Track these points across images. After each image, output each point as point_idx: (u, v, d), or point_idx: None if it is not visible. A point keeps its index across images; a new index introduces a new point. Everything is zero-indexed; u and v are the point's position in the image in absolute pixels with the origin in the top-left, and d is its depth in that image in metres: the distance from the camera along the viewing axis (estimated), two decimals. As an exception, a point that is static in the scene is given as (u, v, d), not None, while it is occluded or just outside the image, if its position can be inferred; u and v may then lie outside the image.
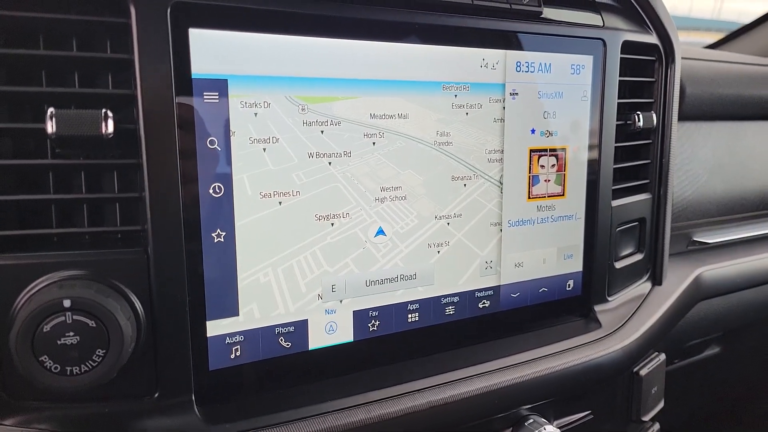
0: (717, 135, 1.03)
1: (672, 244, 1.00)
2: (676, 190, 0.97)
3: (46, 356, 0.48)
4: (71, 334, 0.49)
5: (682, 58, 0.89)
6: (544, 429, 0.70)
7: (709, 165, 1.01)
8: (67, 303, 0.49)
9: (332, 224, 0.62)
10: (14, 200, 0.50)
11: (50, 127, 0.48)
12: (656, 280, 0.92)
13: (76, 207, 0.54)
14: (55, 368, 0.49)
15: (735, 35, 1.74)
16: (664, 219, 0.90)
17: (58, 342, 0.48)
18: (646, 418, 0.84)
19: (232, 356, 0.59)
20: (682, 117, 0.96)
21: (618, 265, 0.86)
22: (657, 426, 0.91)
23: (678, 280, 0.95)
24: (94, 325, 0.49)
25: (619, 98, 0.81)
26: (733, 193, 1.05)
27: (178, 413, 0.55)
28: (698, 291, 0.97)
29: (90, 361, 0.50)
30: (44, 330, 0.48)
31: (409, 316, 0.69)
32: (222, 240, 0.57)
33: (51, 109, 0.48)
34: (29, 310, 0.48)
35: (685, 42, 0.95)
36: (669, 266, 0.97)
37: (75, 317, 0.49)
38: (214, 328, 0.58)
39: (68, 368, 0.49)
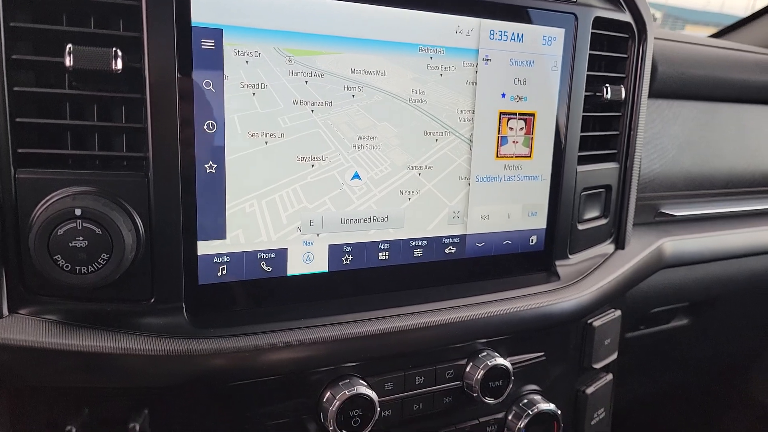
0: (687, 114, 1.09)
1: (639, 214, 1.07)
2: (644, 163, 1.04)
3: (59, 256, 0.58)
4: (80, 238, 0.58)
5: (657, 38, 0.95)
6: (495, 360, 0.78)
7: (678, 141, 1.08)
8: (78, 212, 0.57)
9: (312, 165, 0.71)
10: (36, 123, 0.59)
11: (68, 61, 0.57)
12: (619, 244, 0.99)
13: (88, 134, 0.62)
14: (67, 267, 0.58)
15: (736, 26, 1.78)
16: (630, 187, 0.97)
17: (70, 244, 0.58)
18: (597, 366, 0.92)
19: (219, 274, 0.68)
20: (654, 94, 1.02)
21: (581, 226, 0.93)
22: (610, 376, 0.98)
23: (641, 246, 1.02)
24: (100, 232, 0.58)
25: (591, 71, 0.88)
26: (702, 170, 1.11)
27: (170, 317, 0.64)
28: (660, 259, 1.04)
29: (96, 263, 0.59)
30: (58, 233, 0.57)
31: (380, 254, 0.77)
32: (213, 171, 0.65)
33: (69, 46, 0.57)
34: (46, 216, 0.57)
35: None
36: (634, 235, 1.04)
37: (84, 224, 0.58)
38: (204, 247, 0.67)
39: (77, 267, 0.58)
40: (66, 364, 0.59)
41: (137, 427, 0.61)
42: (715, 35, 1.86)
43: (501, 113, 0.82)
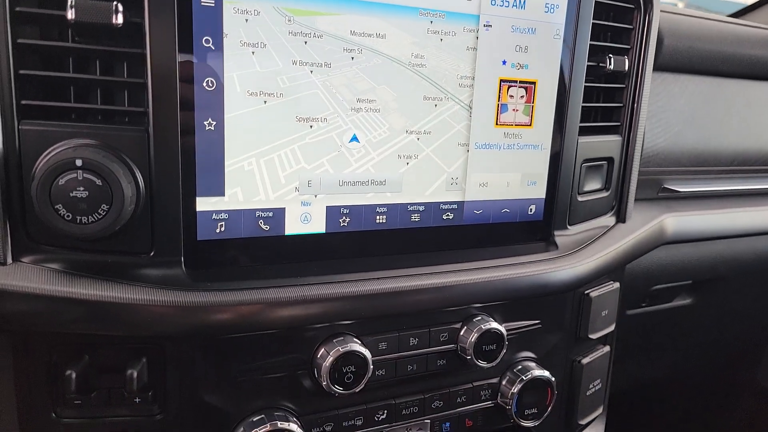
0: (694, 88, 1.08)
1: (642, 189, 1.07)
2: (647, 137, 1.03)
3: (60, 205, 0.59)
4: (81, 189, 0.60)
5: (664, 11, 0.95)
6: (490, 324, 0.79)
7: (683, 116, 1.07)
8: (79, 162, 0.59)
9: (311, 126, 0.71)
10: (39, 76, 0.61)
11: (70, 14, 0.58)
12: (620, 217, 0.99)
13: (91, 88, 0.64)
14: (68, 216, 0.60)
15: (755, 6, 1.75)
16: (632, 160, 0.97)
17: (71, 195, 0.59)
18: (593, 336, 0.92)
19: (218, 231, 0.70)
20: (660, 67, 1.02)
21: (581, 198, 0.93)
22: (607, 349, 0.99)
23: (643, 221, 1.02)
24: (101, 183, 0.60)
25: (594, 41, 0.88)
26: (707, 146, 1.10)
27: (169, 270, 0.66)
28: (662, 234, 1.04)
29: (96, 214, 0.60)
30: (59, 183, 0.59)
31: (377, 217, 0.78)
32: (212, 129, 0.66)
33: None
34: (47, 166, 0.59)
35: None
36: (637, 210, 1.04)
37: (85, 175, 0.59)
38: (203, 204, 0.68)
39: (78, 217, 0.60)
40: (66, 311, 0.61)
41: (135, 374, 0.63)
42: (734, 15, 1.84)
43: (501, 80, 0.82)
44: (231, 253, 0.71)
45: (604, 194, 0.97)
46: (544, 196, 0.90)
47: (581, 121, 0.89)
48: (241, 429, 0.69)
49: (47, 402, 0.64)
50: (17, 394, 0.64)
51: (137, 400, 0.66)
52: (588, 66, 0.88)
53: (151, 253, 0.66)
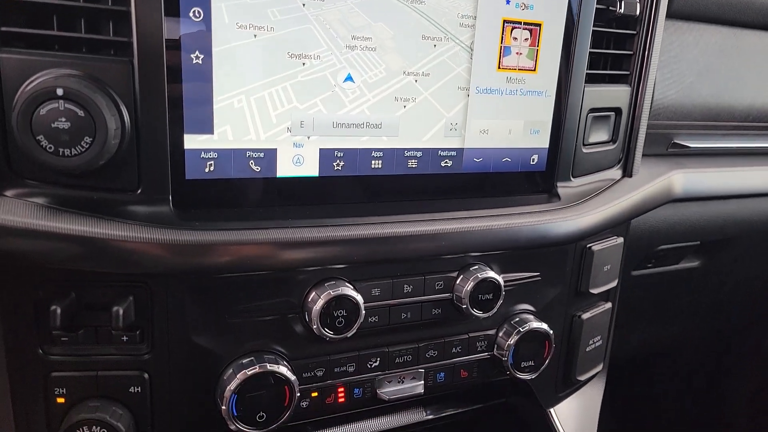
0: (709, 38, 1.03)
1: (651, 144, 1.04)
2: (658, 88, 0.99)
3: (42, 136, 0.58)
4: (63, 119, 0.58)
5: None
6: (487, 273, 0.77)
7: (697, 67, 1.02)
8: (60, 92, 0.57)
9: (303, 64, 0.69)
10: (22, 2, 0.58)
11: (50, -66, 0.56)
12: (627, 171, 0.96)
13: (75, 17, 0.61)
14: (50, 148, 0.58)
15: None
16: (641, 111, 0.93)
17: (52, 125, 0.57)
18: (594, 291, 0.90)
19: (207, 170, 0.68)
20: (673, 14, 0.97)
21: (586, 149, 0.90)
22: (609, 305, 0.97)
23: (650, 176, 0.99)
24: (83, 114, 0.58)
25: (604, -17, 0.84)
26: (721, 100, 1.06)
27: (156, 208, 0.65)
28: (670, 190, 1.01)
29: (79, 146, 0.59)
30: (41, 113, 0.57)
31: (373, 162, 0.76)
32: (200, 62, 0.64)
33: None
34: (29, 94, 0.57)
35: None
36: (644, 165, 1.00)
37: (67, 105, 0.58)
38: (191, 141, 0.66)
39: (61, 149, 0.58)
40: (50, 246, 0.60)
41: (121, 312, 0.62)
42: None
43: (505, 21, 0.79)
44: (220, 193, 0.69)
45: (611, 147, 0.94)
46: (547, 146, 0.87)
47: (589, 68, 0.86)
48: (231, 371, 0.69)
49: (33, 338, 0.64)
50: (3, 329, 0.64)
51: (125, 338, 0.65)
52: (597, 9, 0.84)
53: (138, 191, 0.64)
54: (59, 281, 0.63)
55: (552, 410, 0.98)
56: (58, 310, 0.61)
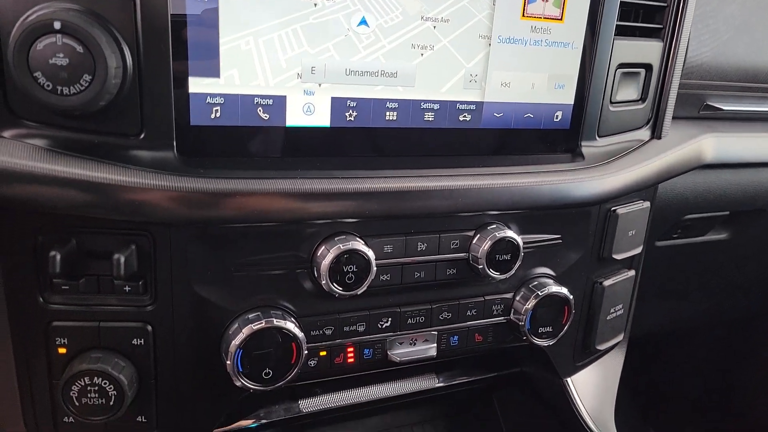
0: (750, -9, 0.97)
1: (682, 106, 0.98)
2: (692, 45, 0.93)
3: (39, 73, 0.55)
4: (61, 55, 0.55)
5: None
6: (505, 233, 0.73)
7: (734, 23, 0.96)
8: (57, 25, 0.54)
9: (315, 5, 0.65)
10: (16, -71, 0.55)
11: None
12: (656, 132, 0.91)
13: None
14: (48, 86, 0.55)
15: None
16: (673, 69, 0.87)
17: (50, 61, 0.55)
18: (617, 257, 0.86)
19: (213, 116, 0.65)
20: (712, -35, 0.91)
21: (614, 108, 0.85)
22: (632, 273, 0.93)
23: (680, 138, 0.93)
24: (82, 50, 0.55)
25: (638, -72, 0.78)
26: (759, 60, 1.00)
27: (160, 153, 0.62)
28: (700, 155, 0.95)
29: (78, 84, 0.56)
30: (38, 48, 0.54)
31: (387, 113, 0.72)
32: (206, 0, 0.61)
33: None
34: (25, 28, 0.54)
35: None
36: (675, 128, 0.95)
37: (65, 40, 0.55)
38: (196, 85, 0.63)
39: (59, 87, 0.56)
40: (47, 189, 0.57)
41: (122, 260, 0.60)
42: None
43: (530, -35, 0.74)
44: (227, 141, 0.66)
45: (640, 105, 0.88)
46: (572, 102, 0.82)
47: (619, 20, 0.80)
48: (236, 325, 0.66)
49: (34, 286, 0.62)
50: (2, 276, 0.62)
51: (127, 289, 0.63)
52: (630, -45, 0.79)
53: (141, 136, 0.62)
54: (59, 227, 0.61)
55: (569, 380, 0.95)
56: (58, 256, 0.59)
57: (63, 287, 0.62)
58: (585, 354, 0.93)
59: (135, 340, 0.65)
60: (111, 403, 0.63)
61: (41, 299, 0.63)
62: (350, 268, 0.67)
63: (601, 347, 0.92)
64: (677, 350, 1.78)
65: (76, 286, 0.62)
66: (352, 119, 0.71)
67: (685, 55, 0.91)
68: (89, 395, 0.63)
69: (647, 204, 0.91)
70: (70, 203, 0.59)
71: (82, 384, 0.62)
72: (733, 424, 1.74)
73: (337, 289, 0.67)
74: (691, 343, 1.75)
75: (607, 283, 0.88)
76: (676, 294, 1.36)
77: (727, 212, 1.14)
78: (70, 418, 0.67)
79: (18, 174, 0.57)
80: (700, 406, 1.82)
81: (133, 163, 0.61)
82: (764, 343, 1.72)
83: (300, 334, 0.68)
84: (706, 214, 1.12)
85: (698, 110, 1.00)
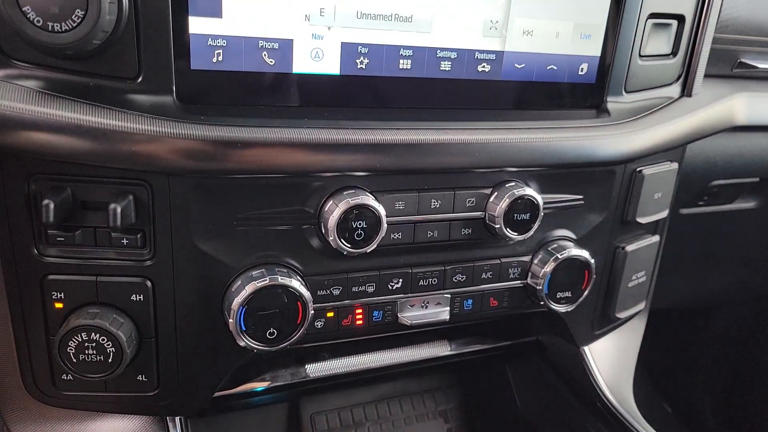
0: (793, -63, 0.90)
1: (714, 63, 0.92)
2: (728, -4, 0.88)
3: (29, 7, 0.51)
4: (51, -15, 0.51)
5: None
6: (524, 191, 0.69)
7: (775, -28, 0.90)
8: (46, -47, 0.50)
9: (325, -61, 0.60)
10: None
11: None
12: (686, 90, 0.85)
13: None
14: (38, 21, 0.51)
15: None
16: (707, 21, 0.82)
17: (39, -10, 0.51)
18: (641, 220, 0.82)
19: (214, 60, 0.60)
20: None
21: (643, 62, 0.80)
22: (656, 238, 0.88)
23: (712, 97, 0.88)
24: (73, -18, 0.51)
25: None
26: (800, 14, 0.94)
27: (159, 97, 0.58)
28: (732, 116, 0.90)
29: (70, 20, 0.52)
30: (26, -21, 0.51)
31: (401, 61, 0.68)
32: (207, -69, 0.56)
33: None
34: (11, -44, 0.50)
35: None
36: (706, 86, 0.89)
37: (53, -31, 0.51)
38: (196, 25, 0.59)
39: (50, 23, 0.52)
40: (39, 133, 0.54)
41: (119, 209, 0.56)
42: None
43: None
44: (230, 88, 0.62)
45: (670, 60, 0.83)
46: (599, 54, 0.76)
47: (651, -35, 0.75)
48: (239, 282, 0.63)
49: (28, 237, 0.59)
50: (-5, 225, 0.59)
51: (125, 242, 0.60)
52: None
53: (139, 79, 0.58)
54: (52, 175, 0.58)
55: (586, 349, 0.92)
56: (51, 205, 0.55)
57: (58, 239, 0.59)
58: (604, 322, 0.89)
59: (134, 295, 0.62)
60: (109, 360, 0.61)
61: (36, 251, 0.60)
62: (360, 225, 0.63)
63: (621, 315, 0.88)
64: (697, 326, 1.73)
65: (71, 238, 0.60)
66: (364, 67, 0.67)
67: (720, 7, 0.85)
68: (87, 352, 0.60)
69: (675, 165, 0.86)
70: (63, 149, 0.55)
71: (79, 340, 0.60)
72: (752, 406, 1.70)
73: (346, 246, 0.63)
74: (712, 319, 1.71)
75: (629, 248, 0.84)
76: (699, 266, 1.31)
77: (757, 179, 1.09)
78: (69, 375, 0.65)
79: (7, 117, 0.54)
80: (716, 384, 1.78)
81: (130, 109, 0.57)
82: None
83: (306, 293, 0.64)
84: (735, 181, 1.07)
85: (731, 68, 0.94)
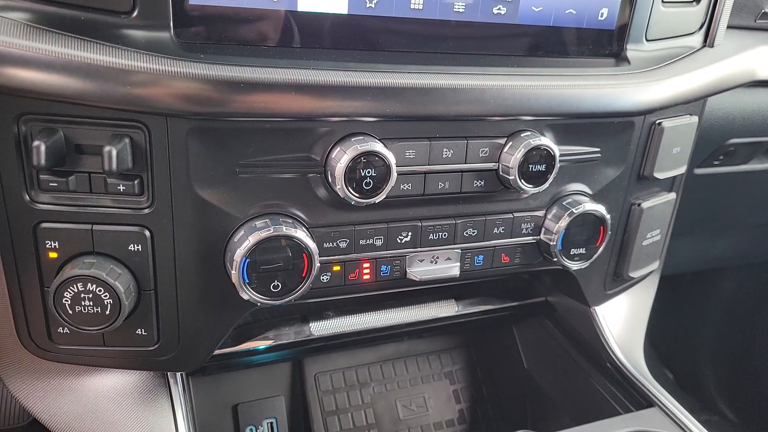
0: None
1: (738, 12, 0.88)
2: (757, -61, 0.83)
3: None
4: None
5: None
6: (540, 141, 0.66)
7: None
8: None
9: None
10: None
11: None
12: (708, 40, 0.81)
13: None
14: (22, -56, 0.48)
15: None
16: (734, -35, 0.78)
17: None
18: (659, 176, 0.79)
19: (214, -7, 0.57)
20: None
21: (666, 8, 0.75)
22: (673, 195, 0.85)
23: (734, 49, 0.84)
24: None
25: None
26: (830, -40, 0.89)
27: (155, 34, 0.54)
28: (753, 69, 0.86)
29: (57, -57, 0.48)
30: None
31: (413, 1, 0.64)
32: None
33: None
34: None
35: None
36: (728, 37, 0.85)
37: None
38: (195, -46, 0.55)
39: (35, -54, 0.48)
40: (27, 69, 0.50)
41: (114, 152, 0.53)
42: None
43: None
44: (231, 25, 0.58)
45: (693, 7, 0.78)
46: (620, -2, 0.73)
47: None
48: (242, 232, 0.60)
49: (19, 182, 0.56)
50: (-19, 169, 0.56)
51: (121, 188, 0.57)
52: None
53: (134, 14, 0.54)
54: (43, 116, 0.54)
55: (597, 310, 0.90)
56: (42, 147, 0.52)
57: (51, 184, 0.56)
58: (617, 281, 0.86)
59: (132, 245, 0.59)
60: (107, 312, 0.58)
61: (27, 197, 0.57)
62: (368, 173, 0.60)
63: (635, 275, 0.86)
64: (702, 291, 1.72)
65: (65, 184, 0.56)
66: (373, 6, 0.62)
67: (748, -48, 0.81)
68: (83, 303, 0.58)
69: (695, 119, 0.82)
70: (53, 88, 0.51)
71: (75, 291, 0.57)
72: (754, 378, 1.69)
73: (354, 195, 0.60)
74: (717, 284, 1.69)
75: (645, 205, 0.81)
76: (711, 229, 1.28)
77: (775, 138, 1.06)
78: (65, 328, 0.62)
79: (-7, 50, 0.50)
80: (718, 353, 1.78)
81: (125, 44, 0.53)
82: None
83: (312, 244, 0.62)
84: (753, 139, 1.03)
85: (755, 18, 0.90)
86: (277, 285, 0.62)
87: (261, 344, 0.83)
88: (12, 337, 0.64)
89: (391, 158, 0.61)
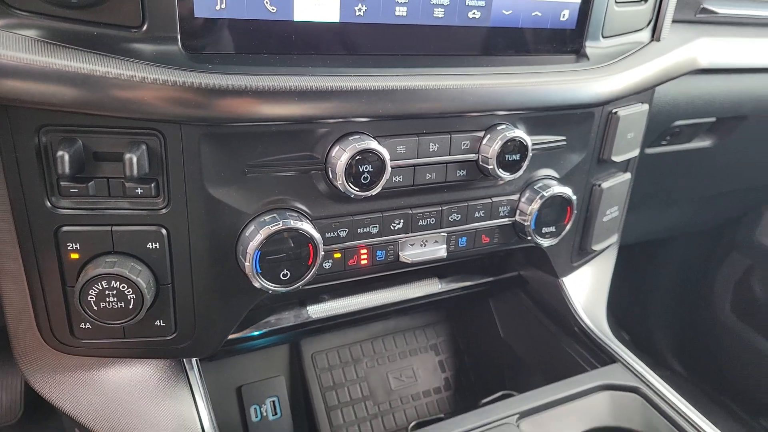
0: None
1: (680, 8, 0.97)
2: (695, -57, 0.92)
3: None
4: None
5: None
6: (514, 133, 0.73)
7: None
8: None
9: None
10: None
11: None
12: (655, 34, 0.90)
13: None
14: (41, -32, 0.51)
15: None
16: (676, -33, 0.86)
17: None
18: (616, 159, 0.88)
19: (217, 7, 0.61)
20: None
21: (619, 8, 0.84)
22: (628, 176, 0.95)
23: (678, 41, 0.93)
24: (78, -73, 0.51)
25: None
26: (758, -41, 1.00)
27: (164, 46, 0.58)
28: (694, 59, 0.96)
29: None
30: None
31: (397, 8, 0.69)
32: None
33: None
34: None
35: None
36: (672, 31, 0.94)
37: None
38: (199, -28, 0.59)
39: (53, -29, 0.51)
40: (43, 83, 0.54)
41: (134, 159, 0.57)
42: None
43: None
44: (234, 36, 0.62)
45: (642, 6, 0.87)
46: (579, 1, 0.80)
47: None
48: (252, 227, 0.66)
49: (40, 189, 0.59)
50: (6, 179, 0.59)
51: (139, 191, 0.61)
52: None
53: (143, 28, 0.58)
54: (63, 127, 0.58)
55: (564, 280, 0.99)
56: (66, 156, 0.56)
57: (71, 190, 0.60)
58: (581, 254, 0.96)
59: (150, 243, 0.64)
60: (130, 306, 0.63)
61: (49, 204, 0.60)
62: (366, 168, 0.66)
63: (597, 247, 0.95)
64: (654, 259, 1.86)
65: (85, 190, 0.60)
66: (362, 14, 0.68)
67: (687, -46, 0.90)
68: (108, 299, 0.62)
69: (646, 107, 0.91)
70: (69, 99, 0.55)
71: (100, 288, 0.61)
72: (700, 336, 1.85)
73: (353, 189, 0.66)
74: (667, 253, 1.84)
75: (605, 185, 0.90)
76: (661, 202, 1.40)
77: (714, 118, 1.17)
78: (87, 324, 0.66)
79: (9, 67, 0.53)
80: (668, 315, 1.93)
81: (135, 57, 0.57)
82: (729, 251, 1.82)
83: (317, 235, 0.67)
84: (695, 121, 1.14)
85: (695, 13, 0.99)
86: (286, 273, 0.68)
87: (262, 329, 0.88)
88: (33, 336, 0.68)
89: (386, 154, 0.67)
